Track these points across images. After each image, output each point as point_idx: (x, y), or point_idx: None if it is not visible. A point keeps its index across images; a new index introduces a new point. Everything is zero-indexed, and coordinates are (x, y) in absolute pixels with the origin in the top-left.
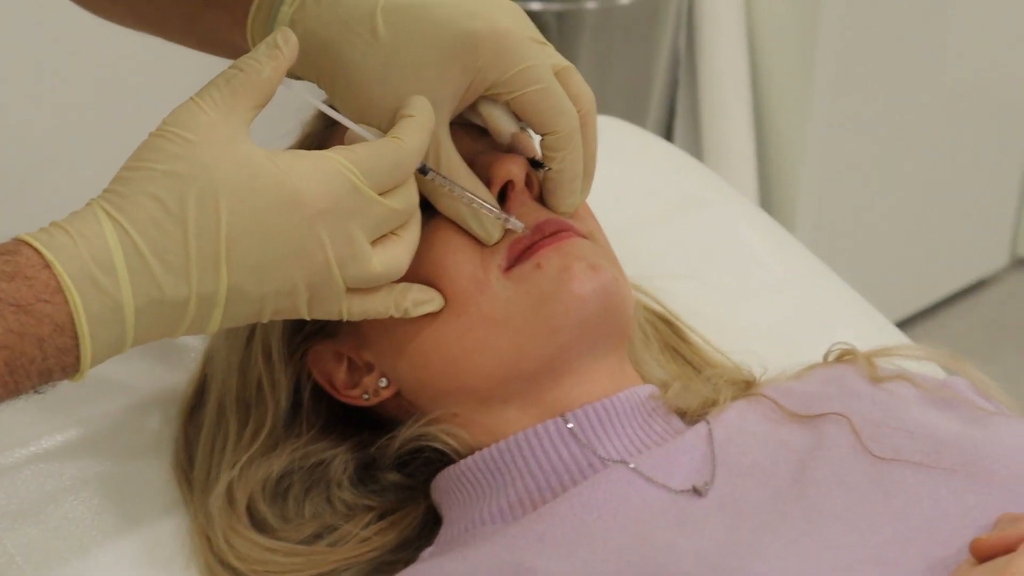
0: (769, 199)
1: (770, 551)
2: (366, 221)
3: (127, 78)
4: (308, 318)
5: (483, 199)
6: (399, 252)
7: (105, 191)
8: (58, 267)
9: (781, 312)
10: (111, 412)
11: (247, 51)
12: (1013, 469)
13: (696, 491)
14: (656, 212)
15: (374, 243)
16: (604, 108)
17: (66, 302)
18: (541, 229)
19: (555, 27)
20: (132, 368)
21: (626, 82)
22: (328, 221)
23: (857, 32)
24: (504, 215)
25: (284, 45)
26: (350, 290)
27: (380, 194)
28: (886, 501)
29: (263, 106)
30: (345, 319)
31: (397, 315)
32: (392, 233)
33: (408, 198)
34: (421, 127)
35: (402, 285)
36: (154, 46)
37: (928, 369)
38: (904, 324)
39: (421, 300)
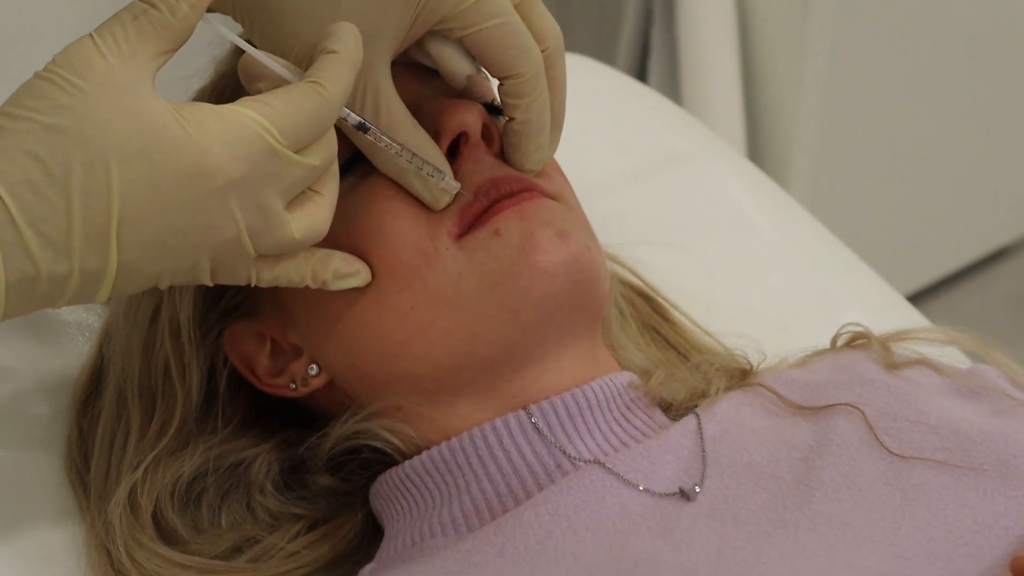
0: (759, 151)
1: (770, 565)
2: (282, 184)
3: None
4: (210, 284)
5: (426, 157)
6: (319, 214)
7: None
8: None
9: (777, 285)
10: None
11: None
12: None
13: (683, 495)
14: (630, 168)
15: (289, 204)
16: (567, 44)
17: None
18: (498, 186)
19: None
20: (17, 350)
21: (592, 13)
22: (240, 191)
23: None
24: (441, 172)
25: None
26: (260, 256)
27: (297, 151)
28: (905, 507)
29: (176, 50)
30: (254, 284)
31: (314, 286)
32: (310, 189)
33: (327, 152)
34: (345, 66)
35: (323, 252)
36: None
37: (949, 355)
38: (913, 299)
39: (344, 272)
